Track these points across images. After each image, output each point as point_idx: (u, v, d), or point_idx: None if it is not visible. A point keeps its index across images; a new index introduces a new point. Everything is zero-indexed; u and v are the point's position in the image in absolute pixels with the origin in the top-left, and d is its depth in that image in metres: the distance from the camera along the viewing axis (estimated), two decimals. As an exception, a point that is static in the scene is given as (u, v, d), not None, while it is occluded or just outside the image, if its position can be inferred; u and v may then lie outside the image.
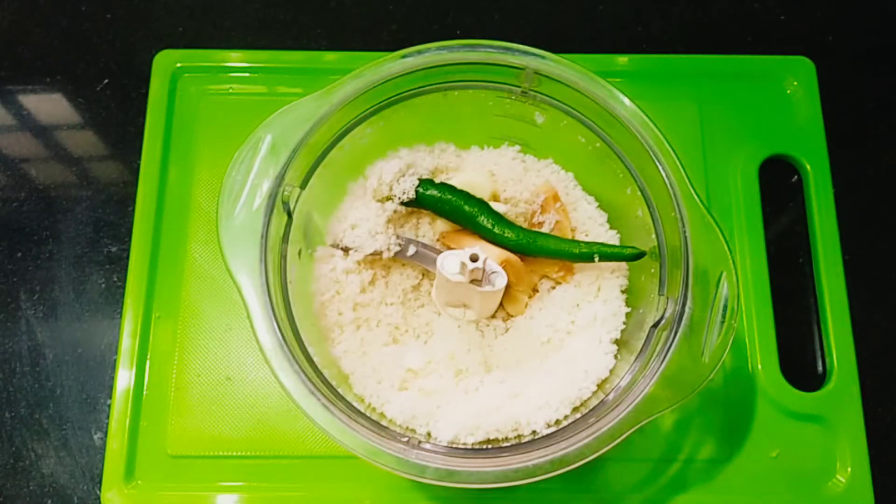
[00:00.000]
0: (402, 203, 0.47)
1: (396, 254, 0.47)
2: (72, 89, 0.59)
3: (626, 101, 0.42)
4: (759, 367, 0.50)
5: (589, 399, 0.43)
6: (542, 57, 0.43)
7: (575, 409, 0.43)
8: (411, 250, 0.47)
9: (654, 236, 0.43)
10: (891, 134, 0.59)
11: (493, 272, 0.43)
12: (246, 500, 0.47)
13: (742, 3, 0.62)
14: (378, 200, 0.47)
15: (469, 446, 0.41)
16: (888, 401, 0.51)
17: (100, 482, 0.48)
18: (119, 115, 0.58)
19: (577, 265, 0.47)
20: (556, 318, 0.46)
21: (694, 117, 0.56)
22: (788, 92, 0.58)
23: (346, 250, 0.47)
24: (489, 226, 0.46)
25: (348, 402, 0.40)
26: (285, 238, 0.43)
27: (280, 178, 0.41)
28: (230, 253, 0.40)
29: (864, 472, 0.48)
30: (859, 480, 0.48)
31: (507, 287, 0.44)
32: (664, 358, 0.38)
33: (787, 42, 0.60)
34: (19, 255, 0.54)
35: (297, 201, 0.43)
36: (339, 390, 0.40)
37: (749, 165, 0.55)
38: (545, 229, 0.47)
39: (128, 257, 0.52)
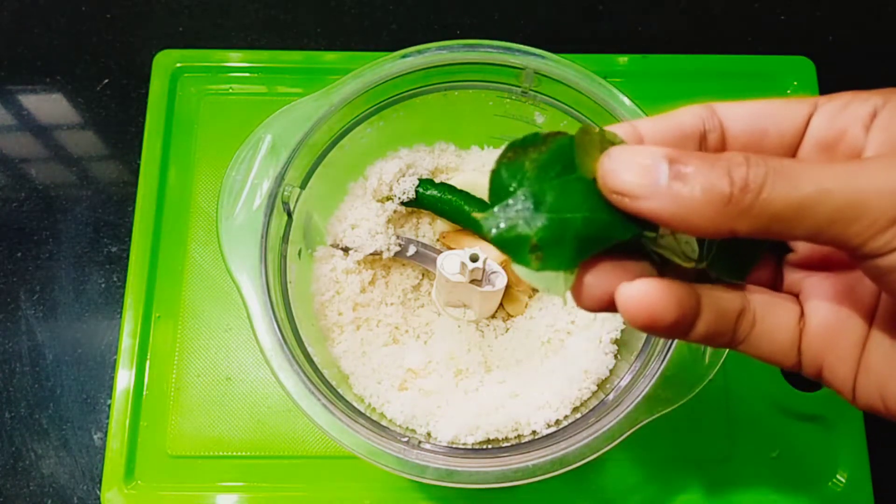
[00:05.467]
0: (402, 203, 0.47)
1: (396, 254, 0.47)
2: (72, 89, 0.59)
3: (626, 100, 0.42)
4: (759, 367, 0.50)
5: (589, 399, 0.43)
6: (542, 57, 0.43)
7: (575, 409, 0.43)
8: (411, 250, 0.47)
9: (654, 236, 0.43)
10: (891, 134, 0.59)
11: (493, 272, 0.43)
12: (246, 500, 0.47)
13: (742, 3, 0.62)
14: (378, 200, 0.47)
15: (469, 446, 0.41)
16: (888, 401, 0.51)
17: (100, 482, 0.48)
18: (119, 115, 0.58)
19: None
20: (556, 318, 0.46)
21: (694, 117, 0.56)
22: (788, 92, 0.58)
23: (346, 250, 0.47)
24: (489, 226, 0.45)
25: (348, 403, 0.40)
26: (285, 238, 0.43)
27: (280, 178, 0.41)
28: (230, 253, 0.40)
29: (864, 472, 0.48)
30: (859, 480, 0.48)
31: (507, 287, 0.44)
32: (664, 358, 0.38)
33: (787, 42, 0.60)
34: (19, 255, 0.54)
35: (297, 201, 0.43)
36: (338, 390, 0.40)
37: (749, 165, 0.55)
38: (545, 229, 0.47)
39: (128, 257, 0.52)
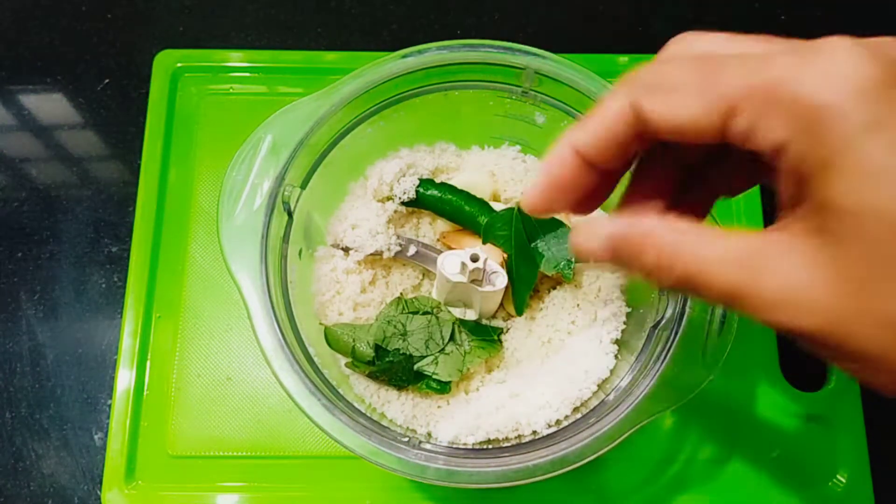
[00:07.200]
0: (403, 203, 0.47)
1: (397, 254, 0.47)
2: (72, 89, 0.59)
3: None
4: (759, 367, 0.50)
5: (589, 399, 0.43)
6: (543, 57, 0.43)
7: (575, 410, 0.43)
8: (412, 250, 0.47)
9: (654, 236, 0.43)
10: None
11: (494, 272, 0.43)
12: (246, 500, 0.47)
13: (742, 3, 0.62)
14: (378, 200, 0.47)
15: (469, 446, 0.41)
16: (888, 401, 0.51)
17: (100, 482, 0.48)
18: (119, 115, 0.58)
19: (578, 265, 0.47)
20: (556, 318, 0.46)
21: (694, 117, 0.56)
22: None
23: (346, 250, 0.47)
24: (489, 226, 0.46)
25: (349, 403, 0.40)
26: (286, 238, 0.43)
27: (280, 178, 0.41)
28: (230, 253, 0.40)
29: (864, 472, 0.48)
30: (859, 480, 0.48)
31: (508, 287, 0.44)
32: (664, 358, 0.38)
33: (788, 42, 0.60)
34: (19, 255, 0.54)
35: (297, 201, 0.43)
36: (339, 390, 0.40)
37: (749, 165, 0.55)
38: (545, 229, 0.47)
39: (128, 257, 0.52)
